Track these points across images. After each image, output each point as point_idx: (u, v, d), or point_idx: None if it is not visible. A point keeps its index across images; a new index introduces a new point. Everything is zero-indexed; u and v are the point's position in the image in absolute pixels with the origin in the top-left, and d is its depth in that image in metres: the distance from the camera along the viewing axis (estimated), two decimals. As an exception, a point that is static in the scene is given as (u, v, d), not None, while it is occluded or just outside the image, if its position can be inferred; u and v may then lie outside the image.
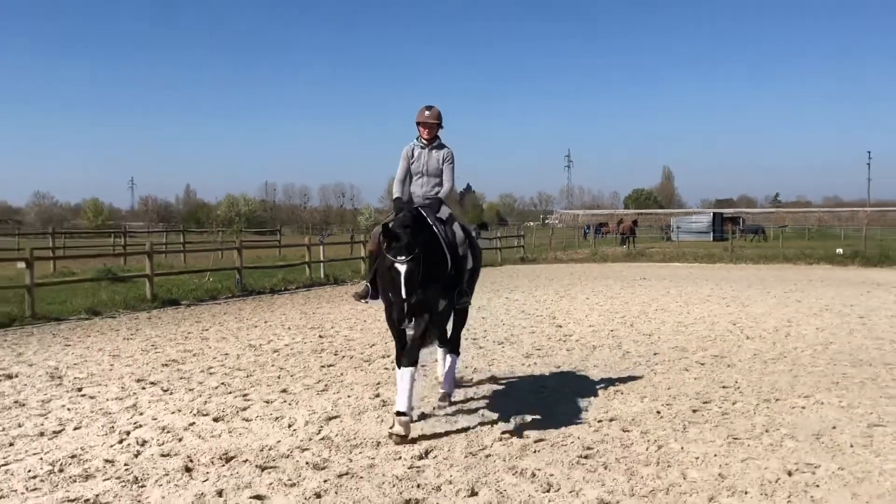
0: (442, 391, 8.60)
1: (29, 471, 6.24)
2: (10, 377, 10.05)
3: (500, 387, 9.37)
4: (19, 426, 7.64)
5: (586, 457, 6.56)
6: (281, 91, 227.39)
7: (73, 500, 5.56)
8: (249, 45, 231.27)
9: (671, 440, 7.03)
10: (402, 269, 6.84)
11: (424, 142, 8.31)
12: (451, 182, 8.37)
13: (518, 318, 16.14)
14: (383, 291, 7.66)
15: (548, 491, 5.75)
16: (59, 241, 40.97)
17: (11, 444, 7.00)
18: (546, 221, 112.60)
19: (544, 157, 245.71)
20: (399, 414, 7.12)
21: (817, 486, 5.83)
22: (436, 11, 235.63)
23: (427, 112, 8.28)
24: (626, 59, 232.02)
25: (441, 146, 8.37)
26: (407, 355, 7.32)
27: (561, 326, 14.75)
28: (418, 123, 8.32)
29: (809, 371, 10.19)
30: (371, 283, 7.97)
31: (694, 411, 8.09)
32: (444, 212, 8.24)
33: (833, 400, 8.53)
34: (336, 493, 5.73)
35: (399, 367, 7.39)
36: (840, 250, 37.24)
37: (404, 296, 6.82)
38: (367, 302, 8.14)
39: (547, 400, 8.64)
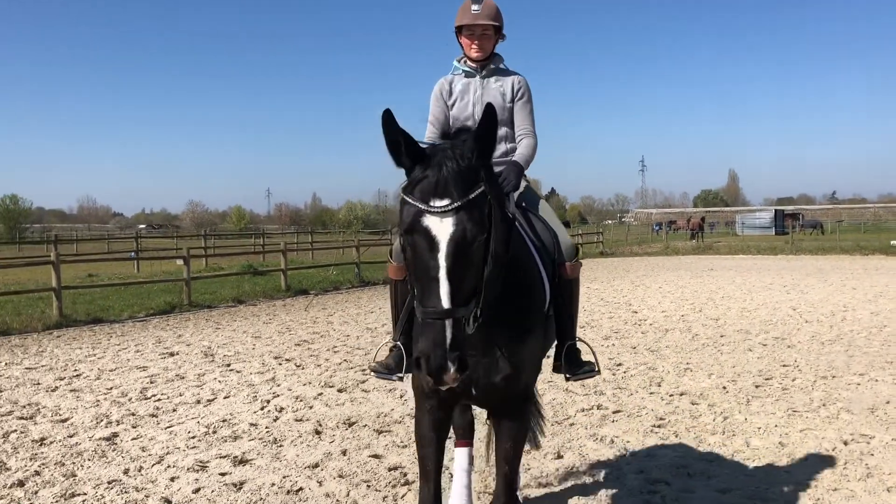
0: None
1: (189, 432, 6.52)
2: (172, 355, 10.50)
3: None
4: (180, 395, 7.97)
5: (659, 426, 6.46)
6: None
7: (224, 457, 5.79)
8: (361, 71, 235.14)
9: (736, 412, 6.85)
10: (446, 228, 2.53)
11: (472, 66, 4.11)
12: (535, 136, 4.11)
13: (597, 304, 15.93)
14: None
15: (625, 455, 5.69)
16: (209, 242, 42.50)
17: (174, 410, 7.32)
18: (622, 220, 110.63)
19: (621, 163, 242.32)
20: None
21: (871, 454, 5.60)
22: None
23: (475, 7, 3.97)
24: (696, 71, 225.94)
25: (505, 71, 4.16)
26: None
27: (636, 312, 14.49)
28: (459, 30, 4.07)
29: (864, 351, 9.75)
30: (405, 345, 3.54)
31: (756, 387, 7.86)
32: (521, 188, 4.04)
33: (887, 378, 8.15)
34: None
35: None
36: (894, 242, 35.42)
37: (447, 301, 2.51)
38: (399, 378, 3.65)
39: (623, 376, 8.53)
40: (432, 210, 2.54)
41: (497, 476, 3.53)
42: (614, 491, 4.96)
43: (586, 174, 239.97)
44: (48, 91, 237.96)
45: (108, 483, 5.23)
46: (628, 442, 6.00)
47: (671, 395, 7.55)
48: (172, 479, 5.30)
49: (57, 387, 8.43)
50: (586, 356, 3.93)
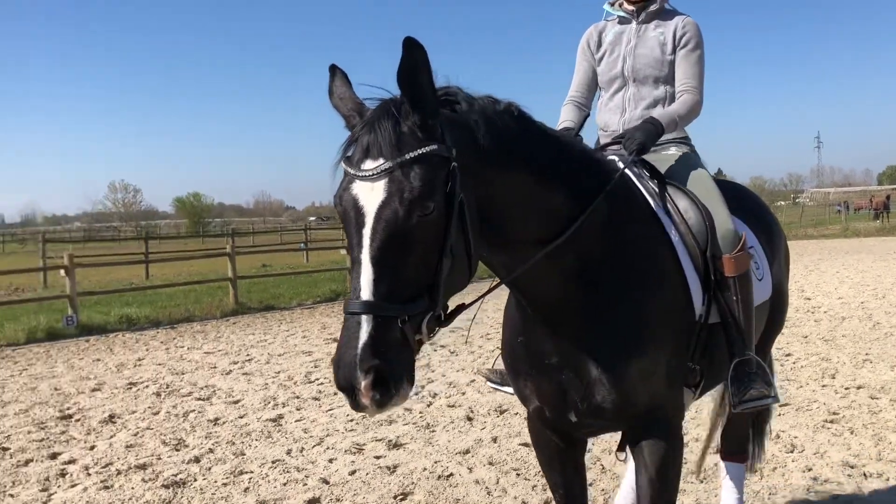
0: None
1: (347, 415, 6.75)
2: (335, 340, 10.91)
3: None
4: (341, 380, 8.28)
5: (832, 421, 6.00)
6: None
7: (379, 440, 5.96)
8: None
9: (922, 408, 6.26)
10: (374, 197, 1.95)
11: (629, 9, 3.27)
12: (700, 93, 3.19)
13: (766, 290, 15.05)
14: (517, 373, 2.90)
15: (791, 451, 5.34)
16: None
17: (335, 394, 7.59)
18: (796, 200, 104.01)
19: (794, 139, 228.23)
20: None
21: None
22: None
23: None
24: (869, 39, 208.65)
25: (669, 12, 3.28)
26: None
27: (809, 299, 13.56)
28: None
29: None
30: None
31: (948, 381, 7.14)
32: (670, 157, 3.18)
33: None
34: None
35: None
36: None
37: (367, 292, 1.89)
38: (512, 392, 3.12)
39: (793, 367, 8.00)
40: (360, 174, 1.97)
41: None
42: (779, 489, 4.67)
43: (756, 152, 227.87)
44: (230, 98, 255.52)
45: (272, 462, 5.53)
46: (796, 437, 5.62)
47: (847, 389, 7.00)
48: (331, 461, 5.52)
49: (231, 370, 9.02)
50: (772, 389, 2.99)
